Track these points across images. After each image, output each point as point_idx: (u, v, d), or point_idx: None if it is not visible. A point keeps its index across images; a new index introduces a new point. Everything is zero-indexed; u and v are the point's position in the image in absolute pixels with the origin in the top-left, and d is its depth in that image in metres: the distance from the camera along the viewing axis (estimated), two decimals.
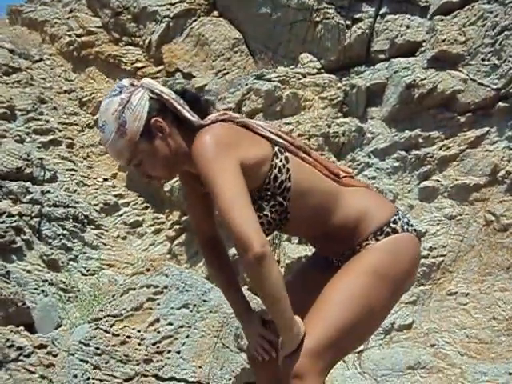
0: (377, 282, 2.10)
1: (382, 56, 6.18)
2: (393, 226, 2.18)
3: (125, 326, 3.84)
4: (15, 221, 5.67)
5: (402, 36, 6.08)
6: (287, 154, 2.15)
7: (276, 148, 2.14)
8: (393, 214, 2.21)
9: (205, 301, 3.92)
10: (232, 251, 4.81)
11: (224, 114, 2.16)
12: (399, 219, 2.20)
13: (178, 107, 2.12)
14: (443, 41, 5.62)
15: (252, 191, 2.08)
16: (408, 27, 6.08)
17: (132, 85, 2.13)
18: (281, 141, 2.16)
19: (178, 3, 7.41)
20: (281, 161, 2.12)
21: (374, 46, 6.23)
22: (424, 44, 5.89)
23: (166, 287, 3.93)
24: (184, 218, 6.24)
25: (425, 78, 5.65)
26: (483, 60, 5.52)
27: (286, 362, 2.04)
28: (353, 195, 2.21)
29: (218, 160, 1.99)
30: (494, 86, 5.47)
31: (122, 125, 2.08)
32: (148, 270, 4.02)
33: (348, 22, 6.27)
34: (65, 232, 5.96)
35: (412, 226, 2.24)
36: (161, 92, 2.12)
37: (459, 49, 5.61)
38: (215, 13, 7.40)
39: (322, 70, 6.27)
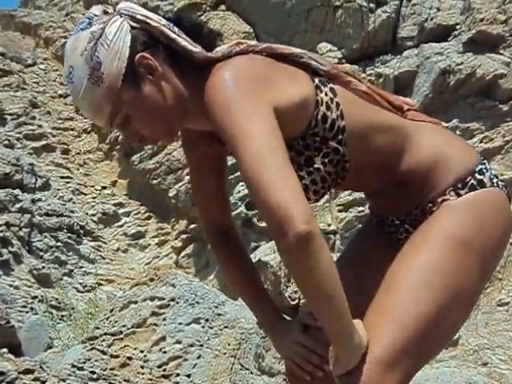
0: (462, 256, 1.62)
1: (409, 43, 5.84)
2: (479, 177, 1.70)
3: (125, 346, 3.54)
4: (1, 231, 5.36)
5: (431, 20, 5.72)
6: (332, 84, 1.65)
7: (317, 79, 1.65)
8: (478, 162, 1.73)
9: (219, 314, 3.61)
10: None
11: (239, 44, 1.66)
12: (486, 169, 1.72)
13: (173, 35, 1.63)
14: (481, 20, 5.26)
15: (294, 141, 1.63)
16: (438, 9, 5.73)
17: (105, 12, 1.66)
18: (321, 67, 1.66)
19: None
20: (326, 94, 1.66)
21: (400, 32, 5.86)
22: (458, 27, 5.50)
23: (172, 299, 3.63)
24: (192, 226, 5.92)
25: (461, 63, 5.29)
26: None
27: (347, 378, 1.52)
28: (425, 133, 1.74)
29: (244, 103, 1.53)
30: None
31: (95, 68, 1.60)
32: (152, 279, 3.73)
33: (372, 5, 5.89)
34: (58, 244, 5.65)
35: (501, 180, 1.77)
36: (146, 18, 1.64)
37: (499, 29, 5.27)
38: (222, 6, 7.18)
39: (344, 60, 5.94)
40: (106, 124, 1.64)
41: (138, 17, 1.62)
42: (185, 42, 1.63)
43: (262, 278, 4.34)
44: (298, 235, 1.41)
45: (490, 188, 1.69)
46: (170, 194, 6.01)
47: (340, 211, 5.14)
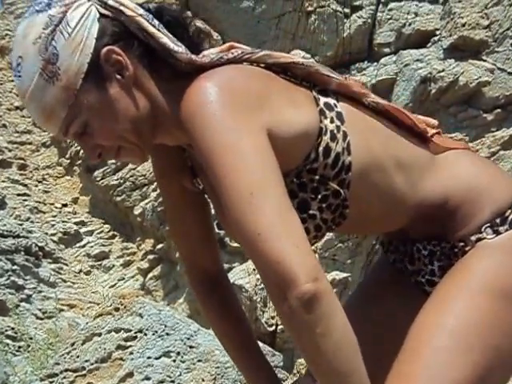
0: (506, 309, 1.39)
1: (386, 50, 5.65)
2: None
3: (88, 383, 3.34)
4: None
5: (410, 25, 5.53)
6: (339, 107, 1.39)
7: (322, 100, 1.38)
8: None
9: (191, 347, 3.40)
10: None
11: (231, 49, 1.39)
12: None
13: (151, 29, 1.37)
14: (463, 25, 5.09)
15: (287, 178, 1.35)
16: (416, 15, 5.55)
17: None
18: (331, 81, 1.40)
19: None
20: (332, 121, 1.39)
21: (376, 38, 5.65)
22: (437, 33, 5.32)
23: (140, 331, 3.44)
24: (159, 245, 5.65)
25: (443, 70, 5.12)
26: None
27: None
28: (454, 162, 1.51)
29: (230, 125, 1.26)
30: None
31: (50, 61, 1.33)
32: (117, 309, 3.54)
33: (346, 10, 5.69)
34: (14, 267, 5.33)
35: None
36: (120, 5, 1.37)
37: (482, 34, 5.09)
38: (188, 13, 6.83)
39: None
40: (58, 132, 1.37)
41: (110, 2, 1.35)
42: (166, 38, 1.36)
43: None
44: (302, 296, 1.15)
45: None
46: (136, 212, 5.76)
47: None
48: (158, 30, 1.35)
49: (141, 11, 1.36)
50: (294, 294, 1.15)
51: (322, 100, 1.40)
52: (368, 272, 1.74)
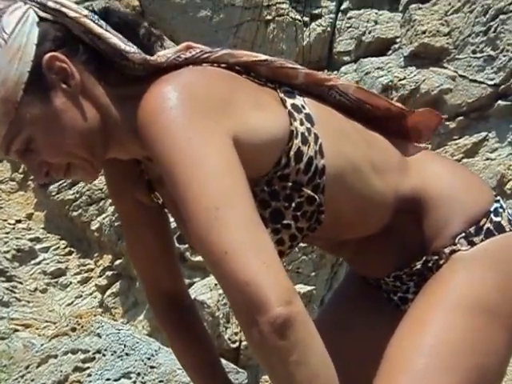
0: (487, 324, 1.31)
1: (347, 58, 5.67)
2: (496, 219, 1.40)
3: None
4: None
5: (370, 33, 5.54)
6: (307, 108, 1.33)
7: (289, 102, 1.32)
8: (492, 200, 1.44)
9: (152, 367, 3.34)
10: None
11: (189, 49, 1.32)
12: (502, 208, 1.44)
13: (98, 30, 1.28)
14: (423, 33, 5.09)
15: (257, 186, 1.28)
16: (376, 23, 5.58)
17: None
18: (297, 76, 1.35)
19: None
20: (301, 123, 1.33)
21: (336, 46, 5.64)
22: (398, 40, 5.33)
23: (98, 351, 3.39)
24: (118, 261, 5.54)
25: (404, 78, 5.15)
26: (474, 52, 5.01)
27: None
28: (426, 167, 1.45)
29: (193, 133, 1.18)
30: (491, 82, 4.99)
31: None
32: (74, 329, 3.50)
33: (306, 19, 5.67)
34: None
35: None
36: (61, 6, 1.28)
37: (443, 41, 5.11)
38: (144, 23, 6.76)
39: None
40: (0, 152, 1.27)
41: (50, 4, 1.27)
42: (115, 38, 1.28)
43: None
44: (274, 321, 1.06)
45: (511, 232, 1.39)
46: (93, 227, 5.65)
47: None
48: (106, 30, 1.27)
49: (85, 12, 1.28)
50: (264, 319, 1.06)
51: (289, 101, 1.33)
52: (338, 286, 1.66)
